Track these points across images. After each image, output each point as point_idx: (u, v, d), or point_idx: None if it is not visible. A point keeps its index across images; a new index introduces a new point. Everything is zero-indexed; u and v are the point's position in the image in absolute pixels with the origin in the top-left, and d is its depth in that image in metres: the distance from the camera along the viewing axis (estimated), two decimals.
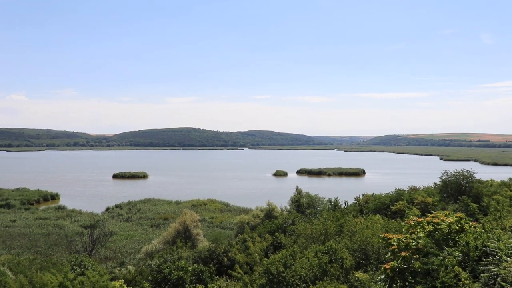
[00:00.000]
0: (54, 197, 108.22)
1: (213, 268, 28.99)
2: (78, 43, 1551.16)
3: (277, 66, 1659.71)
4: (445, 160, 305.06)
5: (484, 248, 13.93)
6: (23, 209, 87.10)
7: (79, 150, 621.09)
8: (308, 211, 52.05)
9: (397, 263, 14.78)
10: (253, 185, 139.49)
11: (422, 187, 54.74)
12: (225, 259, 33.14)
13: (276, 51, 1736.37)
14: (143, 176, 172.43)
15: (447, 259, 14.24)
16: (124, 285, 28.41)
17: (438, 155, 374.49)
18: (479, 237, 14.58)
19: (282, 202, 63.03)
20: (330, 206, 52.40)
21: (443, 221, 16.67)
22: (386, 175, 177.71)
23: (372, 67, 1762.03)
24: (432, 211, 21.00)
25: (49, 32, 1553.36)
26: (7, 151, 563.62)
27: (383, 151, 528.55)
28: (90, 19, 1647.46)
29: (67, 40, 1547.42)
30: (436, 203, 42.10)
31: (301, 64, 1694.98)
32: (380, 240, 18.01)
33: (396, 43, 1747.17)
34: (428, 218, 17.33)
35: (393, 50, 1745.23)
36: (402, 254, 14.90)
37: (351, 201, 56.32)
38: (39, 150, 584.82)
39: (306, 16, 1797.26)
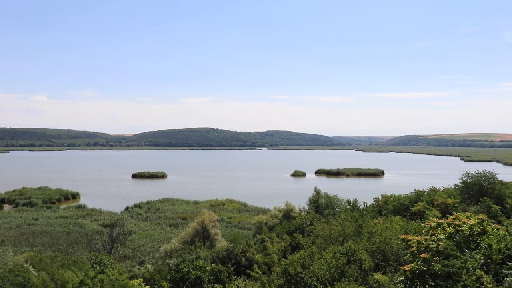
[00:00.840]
0: (75, 196, 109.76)
1: (231, 268, 28.99)
2: (97, 44, 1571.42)
3: (295, 65, 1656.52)
4: (466, 160, 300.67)
5: (508, 251, 13.65)
6: (45, 207, 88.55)
7: (99, 150, 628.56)
8: (326, 211, 51.74)
9: (417, 265, 14.56)
10: (271, 185, 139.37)
11: (442, 188, 53.98)
12: (243, 259, 33.13)
13: (294, 50, 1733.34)
14: (162, 176, 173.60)
15: (468, 262, 13.99)
16: (143, 284, 28.60)
17: (458, 156, 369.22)
18: (502, 239, 14.29)
19: (300, 202, 62.82)
20: (348, 206, 52.04)
21: (464, 223, 16.39)
22: (406, 176, 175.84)
23: (391, 66, 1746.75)
24: (452, 213, 20.66)
25: (68, 34, 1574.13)
26: (30, 150, 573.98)
27: (402, 152, 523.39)
28: (109, 20, 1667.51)
29: (86, 42, 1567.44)
30: (457, 205, 41.47)
31: (319, 64, 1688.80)
32: (399, 242, 17.77)
33: (416, 42, 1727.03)
34: (448, 220, 17.06)
35: (413, 49, 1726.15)
36: (422, 256, 14.67)
37: (369, 202, 55.84)
38: (60, 150, 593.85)
39: (324, 15, 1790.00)
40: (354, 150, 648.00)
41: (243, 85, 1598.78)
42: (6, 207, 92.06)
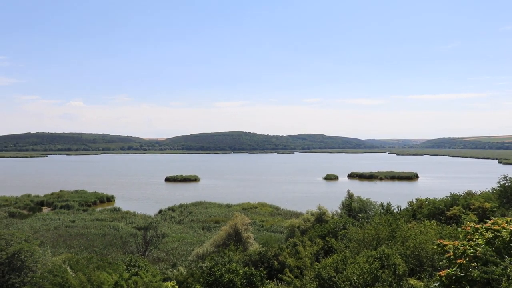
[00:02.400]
0: (110, 199, 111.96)
1: (264, 271, 28.99)
2: (132, 51, 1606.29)
3: (327, 68, 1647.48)
4: (504, 163, 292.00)
5: None
6: (81, 210, 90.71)
7: (133, 153, 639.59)
8: (360, 215, 51.15)
9: (453, 271, 14.22)
10: (304, 188, 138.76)
11: (479, 192, 52.55)
12: (276, 263, 33.06)
13: (326, 53, 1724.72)
14: (195, 179, 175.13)
15: (509, 269, 13.57)
16: (176, 286, 28.91)
17: (496, 159, 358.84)
18: None
19: (333, 206, 62.27)
20: (382, 210, 51.29)
21: (504, 228, 15.91)
22: (441, 179, 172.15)
23: (425, 68, 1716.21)
24: (491, 217, 20.10)
25: (104, 41, 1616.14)
26: (67, 154, 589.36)
27: (437, 155, 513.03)
28: (143, 28, 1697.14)
29: (121, 49, 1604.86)
30: (495, 209, 40.28)
31: (352, 66, 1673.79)
32: (434, 247, 17.39)
33: (451, 42, 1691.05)
34: (487, 225, 16.59)
35: (448, 49, 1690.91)
36: (459, 261, 14.32)
37: (403, 205, 54.89)
38: (96, 154, 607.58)
39: (355, 17, 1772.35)
40: (387, 153, 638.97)
41: (275, 89, 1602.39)
42: (45, 210, 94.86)
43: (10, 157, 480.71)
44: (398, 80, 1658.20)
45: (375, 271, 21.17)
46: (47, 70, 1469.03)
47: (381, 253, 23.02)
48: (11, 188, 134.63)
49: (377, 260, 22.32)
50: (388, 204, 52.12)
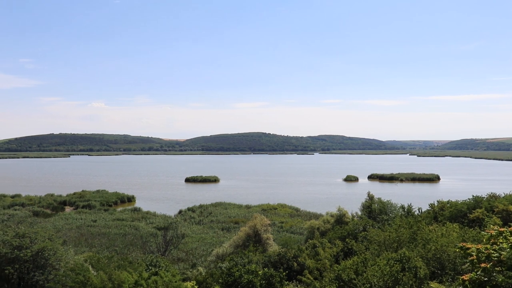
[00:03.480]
0: (130, 199, 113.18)
1: (283, 273, 28.94)
2: (152, 52, 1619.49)
3: (346, 69, 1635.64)
4: None
5: None
6: (102, 210, 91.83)
7: (153, 154, 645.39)
8: (380, 217, 50.71)
9: (476, 275, 13.98)
10: (324, 190, 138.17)
11: (503, 195, 51.60)
12: (295, 264, 32.99)
13: (346, 54, 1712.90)
14: (215, 180, 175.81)
15: None
16: (196, 286, 29.07)
17: None
18: None
19: (353, 207, 61.93)
20: (403, 212, 50.78)
21: None
22: (463, 181, 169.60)
23: (447, 68, 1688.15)
24: None
25: (124, 43, 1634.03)
26: (89, 155, 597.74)
27: (459, 156, 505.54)
28: (163, 30, 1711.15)
29: (141, 50, 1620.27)
30: None
31: (372, 67, 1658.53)
32: (457, 250, 17.13)
33: (473, 41, 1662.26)
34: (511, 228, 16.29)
35: (470, 49, 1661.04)
36: (483, 265, 14.07)
37: (424, 207, 54.27)
38: (117, 154, 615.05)
39: (375, 17, 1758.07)
40: (408, 154, 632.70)
41: (295, 90, 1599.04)
42: (68, 209, 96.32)
43: (34, 157, 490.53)
44: (419, 80, 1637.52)
45: (395, 274, 20.96)
46: (69, 72, 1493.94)
47: (402, 255, 22.77)
48: (35, 188, 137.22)
49: (397, 263, 22.09)
50: (409, 206, 51.60)
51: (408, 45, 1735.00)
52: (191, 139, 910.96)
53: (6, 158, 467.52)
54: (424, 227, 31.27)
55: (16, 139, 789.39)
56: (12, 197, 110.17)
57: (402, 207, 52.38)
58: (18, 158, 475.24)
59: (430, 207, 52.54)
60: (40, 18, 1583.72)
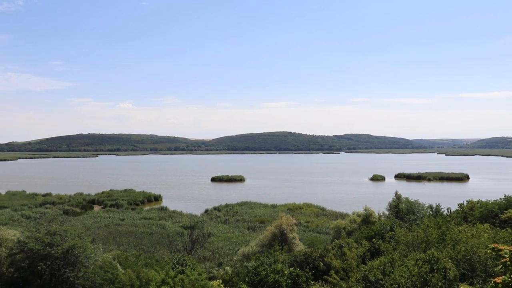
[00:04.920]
0: (157, 198, 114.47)
1: (309, 272, 28.85)
2: (179, 53, 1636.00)
3: (374, 67, 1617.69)
4: None
5: None
6: (130, 209, 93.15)
7: (180, 154, 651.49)
8: (408, 217, 50.01)
9: (509, 278, 13.66)
10: (350, 189, 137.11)
11: None
12: (321, 264, 32.84)
13: (373, 52, 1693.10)
14: (240, 179, 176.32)
15: None
16: (222, 285, 29.21)
17: None
18: None
19: (379, 207, 61.27)
20: (431, 212, 49.95)
21: None
22: (493, 181, 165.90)
23: (476, 65, 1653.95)
24: None
25: (152, 45, 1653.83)
26: (116, 155, 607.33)
27: (489, 155, 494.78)
28: (189, 30, 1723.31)
29: (169, 51, 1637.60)
30: None
31: (399, 65, 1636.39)
32: (488, 251, 16.76)
33: (503, 37, 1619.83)
34: None
35: (500, 45, 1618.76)
36: None
37: (453, 207, 53.24)
38: (144, 154, 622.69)
39: (404, 15, 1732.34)
40: (436, 153, 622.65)
41: (321, 89, 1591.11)
42: (96, 208, 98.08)
43: (64, 157, 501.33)
44: (448, 78, 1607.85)
45: (424, 275, 20.64)
46: (98, 73, 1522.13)
47: (431, 256, 22.41)
48: (65, 187, 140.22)
49: (426, 264, 21.75)
50: (437, 206, 50.70)
51: (437, 43, 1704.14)
52: (217, 138, 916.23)
53: (37, 158, 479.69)
54: (453, 228, 30.73)
55: (47, 139, 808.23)
56: (44, 195, 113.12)
57: (430, 207, 51.50)
58: (49, 158, 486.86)
59: (459, 207, 51.51)
60: (70, 21, 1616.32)
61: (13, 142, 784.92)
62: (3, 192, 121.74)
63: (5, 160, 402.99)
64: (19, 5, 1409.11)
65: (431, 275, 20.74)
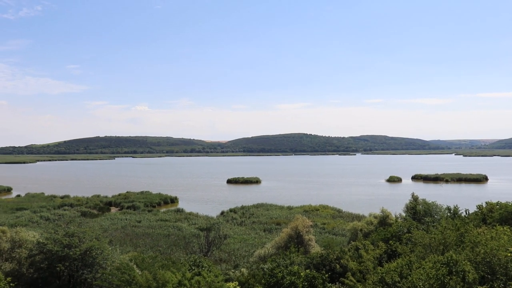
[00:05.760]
0: (173, 200, 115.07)
1: (326, 275, 28.73)
2: (194, 56, 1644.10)
3: (389, 68, 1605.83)
4: None
5: None
6: (146, 211, 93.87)
7: (196, 156, 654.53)
8: (425, 219, 49.50)
9: None
10: (366, 191, 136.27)
11: None
12: (337, 266, 32.66)
13: (387, 53, 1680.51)
14: (256, 181, 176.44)
15: None
16: (238, 287, 29.25)
17: None
18: None
19: (396, 209, 60.77)
20: (448, 214, 49.35)
21: None
22: None
23: (494, 64, 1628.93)
24: None
25: (167, 47, 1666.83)
26: (133, 157, 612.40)
27: (508, 156, 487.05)
28: (203, 33, 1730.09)
29: (183, 53, 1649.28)
30: None
31: (415, 65, 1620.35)
32: (508, 254, 16.52)
33: None
34: None
35: None
36: None
37: (472, 209, 52.51)
38: (160, 156, 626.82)
39: (419, 15, 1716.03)
40: (453, 154, 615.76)
41: (336, 90, 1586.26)
42: (113, 210, 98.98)
43: (82, 159, 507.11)
44: (465, 78, 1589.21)
45: (442, 277, 20.39)
46: (114, 76, 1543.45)
47: (449, 258, 22.11)
48: (83, 189, 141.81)
49: (444, 266, 21.48)
50: (455, 207, 50.07)
51: (454, 42, 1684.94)
52: (232, 140, 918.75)
53: (55, 160, 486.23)
54: (472, 230, 30.31)
55: (64, 142, 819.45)
56: (62, 197, 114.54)
57: (448, 208, 50.88)
58: (67, 160, 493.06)
59: (478, 208, 50.75)
60: (86, 25, 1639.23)
61: (32, 145, 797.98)
62: (23, 194, 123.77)
63: (24, 162, 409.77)
64: (37, 11, 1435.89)
65: (449, 277, 20.48)
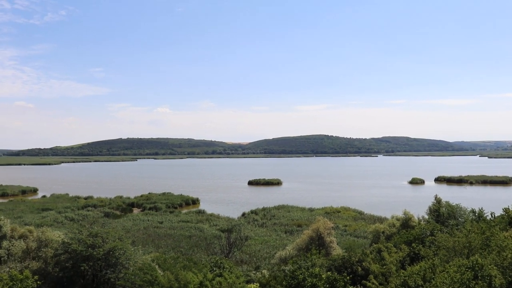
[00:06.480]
0: (195, 201, 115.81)
1: (347, 277, 28.53)
2: (214, 57, 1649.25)
3: (410, 68, 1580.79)
4: None
5: None
6: (168, 212, 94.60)
7: (217, 157, 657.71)
8: (449, 221, 48.75)
9: None
10: (388, 193, 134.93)
11: None
12: (359, 269, 32.40)
13: (409, 53, 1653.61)
14: (277, 183, 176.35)
15: None
16: None
17: None
18: None
19: (419, 211, 60.05)
20: (473, 217, 48.50)
21: None
22: None
23: None
24: None
25: (188, 49, 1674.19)
26: (155, 159, 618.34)
27: None
28: (224, 35, 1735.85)
29: (204, 56, 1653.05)
30: None
31: (438, 65, 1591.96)
32: None
33: None
34: None
35: None
36: None
37: (498, 212, 51.50)
38: (181, 158, 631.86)
39: (441, 14, 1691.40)
40: (478, 155, 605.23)
41: (357, 91, 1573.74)
42: (135, 211, 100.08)
43: (104, 161, 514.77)
44: (490, 78, 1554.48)
45: (467, 282, 20.05)
46: (136, 79, 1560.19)
47: (474, 262, 21.72)
48: (106, 190, 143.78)
49: (469, 270, 21.12)
50: (480, 210, 49.18)
51: (479, 42, 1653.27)
52: (253, 142, 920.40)
53: (79, 162, 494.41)
54: (498, 233, 29.74)
55: (88, 144, 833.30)
56: (85, 198, 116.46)
57: (473, 211, 49.98)
58: (90, 161, 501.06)
59: (504, 211, 49.74)
60: (109, 29, 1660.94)
61: (56, 147, 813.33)
62: (48, 195, 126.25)
63: (49, 164, 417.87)
64: (62, 15, 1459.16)
65: (474, 282, 20.12)
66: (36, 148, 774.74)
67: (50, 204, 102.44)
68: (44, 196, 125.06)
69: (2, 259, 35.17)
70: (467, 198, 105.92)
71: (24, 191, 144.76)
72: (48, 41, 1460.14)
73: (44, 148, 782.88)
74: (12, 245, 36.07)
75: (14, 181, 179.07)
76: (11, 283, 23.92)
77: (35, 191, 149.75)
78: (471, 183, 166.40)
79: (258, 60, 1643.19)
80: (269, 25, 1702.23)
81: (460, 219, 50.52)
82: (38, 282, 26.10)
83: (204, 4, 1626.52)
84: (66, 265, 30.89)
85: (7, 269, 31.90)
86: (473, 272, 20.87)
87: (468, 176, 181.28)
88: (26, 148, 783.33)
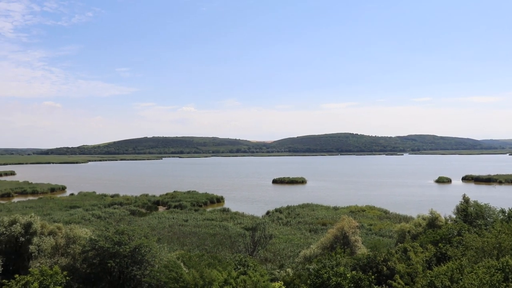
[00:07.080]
0: (219, 200, 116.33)
1: (372, 276, 28.26)
2: (240, 57, 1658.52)
3: (438, 66, 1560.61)
4: None
5: None
6: (193, 210, 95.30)
7: (241, 156, 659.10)
8: (477, 221, 47.79)
9: None
10: (414, 192, 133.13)
11: None
12: (384, 268, 32.06)
13: (435, 50, 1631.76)
14: (302, 181, 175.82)
15: None
16: (283, 287, 29.24)
17: None
18: None
19: (446, 210, 59.09)
20: (503, 217, 47.44)
21: None
22: None
23: None
24: None
25: (212, 48, 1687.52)
26: (180, 157, 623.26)
27: None
28: (249, 33, 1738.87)
29: (228, 54, 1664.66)
30: None
31: (466, 62, 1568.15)
32: None
33: None
34: None
35: None
36: None
37: None
38: (206, 156, 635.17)
39: (468, 11, 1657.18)
40: (507, 154, 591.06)
41: (383, 89, 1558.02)
42: (161, 209, 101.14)
43: (130, 159, 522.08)
44: None
45: (496, 284, 19.61)
46: (162, 78, 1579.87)
47: (505, 264, 21.21)
48: (131, 188, 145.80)
49: (499, 272, 20.64)
50: (510, 210, 48.09)
51: (506, 36, 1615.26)
52: (278, 140, 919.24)
53: (106, 160, 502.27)
54: None
55: (114, 142, 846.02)
56: (112, 196, 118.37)
57: (502, 211, 48.86)
58: (116, 160, 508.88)
59: None
60: (134, 29, 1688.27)
61: (84, 145, 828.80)
62: (76, 193, 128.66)
63: (77, 162, 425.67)
64: (88, 17, 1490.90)
65: (505, 284, 19.65)
66: (64, 147, 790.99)
67: (77, 201, 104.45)
68: (72, 194, 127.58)
69: (33, 254, 36.00)
70: (496, 198, 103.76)
71: (53, 189, 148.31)
72: (76, 42, 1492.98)
73: (72, 147, 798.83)
74: (42, 241, 36.88)
75: (44, 179, 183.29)
76: (42, 278, 24.49)
77: (63, 189, 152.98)
78: (500, 183, 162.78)
79: (283, 59, 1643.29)
80: (294, 24, 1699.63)
81: (489, 219, 49.46)
82: (67, 278, 26.66)
83: (228, 3, 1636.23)
84: (94, 262, 31.43)
85: (38, 264, 32.67)
86: (504, 274, 20.39)
87: (497, 175, 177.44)
88: (55, 147, 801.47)
